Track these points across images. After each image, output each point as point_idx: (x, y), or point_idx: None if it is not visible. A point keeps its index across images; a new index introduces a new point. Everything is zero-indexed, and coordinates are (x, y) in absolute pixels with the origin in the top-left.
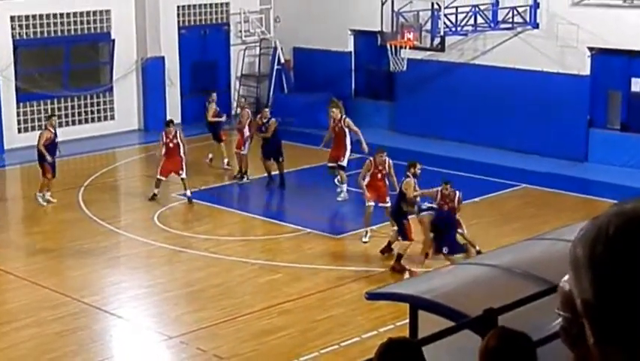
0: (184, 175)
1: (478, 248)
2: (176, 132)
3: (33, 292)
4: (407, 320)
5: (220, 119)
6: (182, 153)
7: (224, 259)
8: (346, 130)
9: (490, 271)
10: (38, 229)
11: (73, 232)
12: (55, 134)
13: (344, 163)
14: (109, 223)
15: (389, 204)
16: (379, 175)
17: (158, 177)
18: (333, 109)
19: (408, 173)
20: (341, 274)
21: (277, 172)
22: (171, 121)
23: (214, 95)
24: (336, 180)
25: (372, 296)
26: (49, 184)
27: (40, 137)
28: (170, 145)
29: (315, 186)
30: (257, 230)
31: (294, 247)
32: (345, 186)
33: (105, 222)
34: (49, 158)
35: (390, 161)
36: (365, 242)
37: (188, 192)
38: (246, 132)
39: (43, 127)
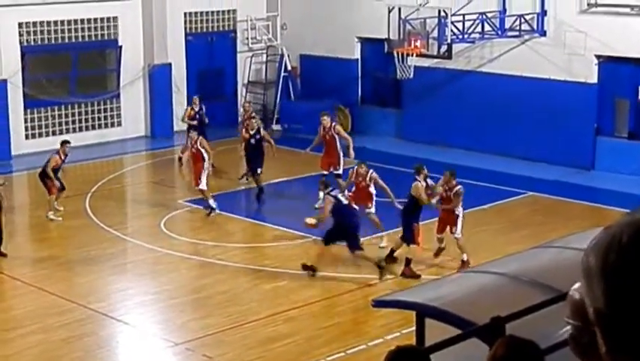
0: (201, 186)
1: (466, 258)
2: (197, 139)
3: (39, 299)
4: (414, 328)
5: (192, 122)
6: (204, 162)
7: (230, 266)
8: (337, 137)
9: (498, 279)
10: (45, 235)
11: (80, 239)
12: (64, 160)
13: (340, 171)
14: (115, 230)
15: (372, 210)
16: (363, 184)
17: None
18: (324, 117)
19: (417, 177)
20: (347, 281)
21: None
22: (192, 127)
23: (195, 98)
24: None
25: (379, 304)
26: (58, 197)
27: (50, 160)
28: (193, 150)
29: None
30: (263, 237)
31: (299, 254)
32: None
33: (112, 228)
34: (57, 183)
35: (374, 173)
36: (382, 247)
37: (211, 202)
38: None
39: (55, 150)
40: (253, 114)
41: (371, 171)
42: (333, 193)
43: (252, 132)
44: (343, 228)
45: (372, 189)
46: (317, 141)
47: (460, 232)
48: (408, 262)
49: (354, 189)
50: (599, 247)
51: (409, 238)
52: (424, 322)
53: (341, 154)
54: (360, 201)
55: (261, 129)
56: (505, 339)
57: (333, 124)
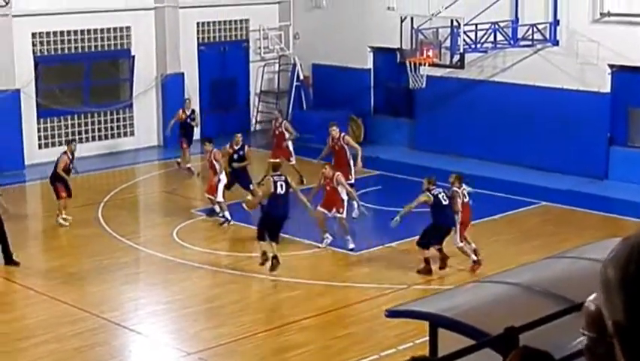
0: (219, 198)
1: (475, 257)
2: (211, 151)
3: (52, 308)
4: (427, 338)
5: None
6: (218, 175)
7: (242, 275)
8: (346, 148)
9: (511, 289)
10: (58, 244)
11: (92, 248)
12: (72, 160)
13: (352, 181)
14: (128, 239)
15: (342, 215)
16: (327, 188)
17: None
18: (333, 127)
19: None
20: (359, 291)
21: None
22: (207, 139)
23: (188, 101)
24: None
25: (392, 314)
26: (65, 203)
27: (59, 161)
28: (208, 163)
29: None
30: (276, 246)
31: (312, 263)
32: (355, 203)
33: (124, 238)
34: (69, 181)
35: (341, 177)
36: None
37: (227, 214)
38: (290, 146)
39: (63, 151)
40: (283, 121)
41: (338, 174)
42: (275, 178)
43: (236, 147)
44: (272, 218)
45: (343, 195)
46: (326, 151)
47: (459, 239)
48: (428, 261)
49: (324, 193)
50: (617, 258)
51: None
52: (437, 332)
53: (352, 163)
54: (331, 205)
55: (246, 146)
56: (520, 350)
57: (342, 134)
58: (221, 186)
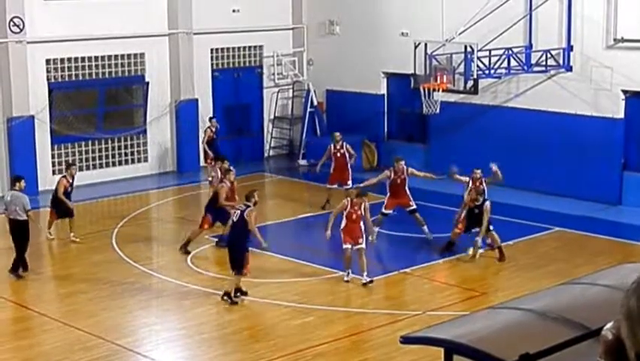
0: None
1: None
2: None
3: (66, 334)
4: None
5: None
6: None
7: (257, 302)
8: (407, 179)
9: (526, 315)
10: (72, 270)
11: (106, 274)
12: (71, 184)
13: (414, 207)
14: (142, 265)
15: (363, 246)
16: (354, 216)
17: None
18: (401, 162)
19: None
20: (374, 317)
21: (221, 233)
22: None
23: (214, 120)
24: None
25: (407, 340)
26: (52, 222)
27: (58, 185)
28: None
29: None
30: (290, 272)
31: (327, 289)
32: (426, 227)
33: (138, 263)
34: (70, 205)
35: (367, 204)
36: (347, 281)
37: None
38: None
39: (62, 175)
40: (344, 142)
41: (365, 202)
42: (238, 206)
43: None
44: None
45: (362, 223)
46: (379, 180)
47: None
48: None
49: (344, 222)
50: None
51: None
52: (452, 358)
53: (409, 194)
54: (353, 236)
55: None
56: None
57: (406, 167)
58: None
